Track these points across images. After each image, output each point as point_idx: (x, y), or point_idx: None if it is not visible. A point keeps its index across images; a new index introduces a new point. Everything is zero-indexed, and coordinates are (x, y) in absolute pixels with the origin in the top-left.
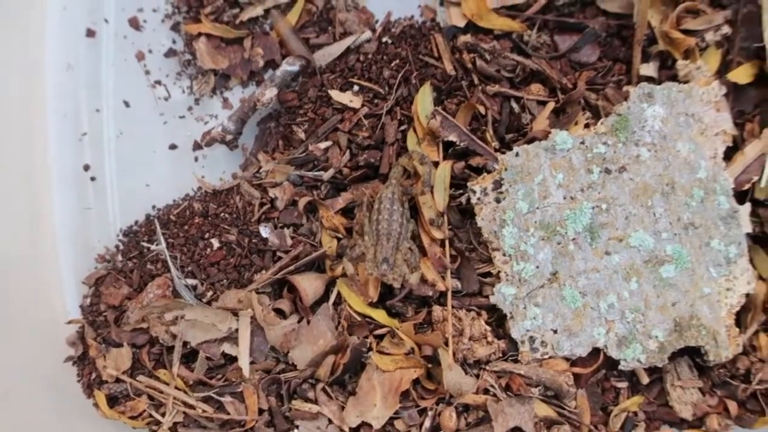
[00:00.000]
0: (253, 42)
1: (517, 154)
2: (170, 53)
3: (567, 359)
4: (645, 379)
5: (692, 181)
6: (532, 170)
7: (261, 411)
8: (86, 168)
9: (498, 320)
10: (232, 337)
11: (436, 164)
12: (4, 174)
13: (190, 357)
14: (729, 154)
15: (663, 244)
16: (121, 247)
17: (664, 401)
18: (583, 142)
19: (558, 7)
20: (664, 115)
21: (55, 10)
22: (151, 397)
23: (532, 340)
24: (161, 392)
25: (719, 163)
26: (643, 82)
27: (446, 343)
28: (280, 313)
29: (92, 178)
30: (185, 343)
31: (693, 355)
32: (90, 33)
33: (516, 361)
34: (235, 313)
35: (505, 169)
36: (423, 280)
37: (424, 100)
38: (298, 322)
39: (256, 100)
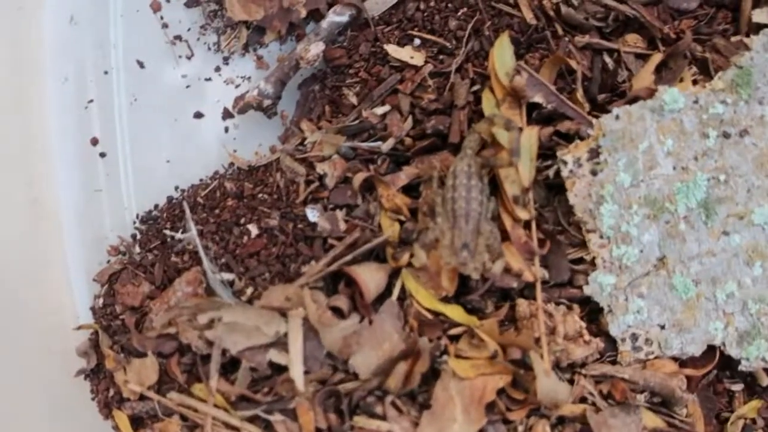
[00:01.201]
0: None
1: (617, 117)
2: (192, 2)
3: (676, 359)
4: (765, 381)
5: None
6: (635, 136)
7: (318, 430)
8: (94, 142)
9: (591, 315)
10: (280, 343)
11: (520, 130)
12: None
13: (229, 367)
14: None
15: None
16: (139, 237)
17: None
18: (696, 101)
19: None
20: None
21: None
22: (184, 417)
23: (634, 337)
24: (197, 411)
25: None
26: (758, 31)
27: (538, 344)
28: (337, 311)
29: (102, 155)
30: (224, 351)
31: None
32: None
33: (615, 362)
34: (282, 314)
35: (603, 135)
36: (506, 269)
37: (502, 54)
38: (360, 322)
39: (299, 58)
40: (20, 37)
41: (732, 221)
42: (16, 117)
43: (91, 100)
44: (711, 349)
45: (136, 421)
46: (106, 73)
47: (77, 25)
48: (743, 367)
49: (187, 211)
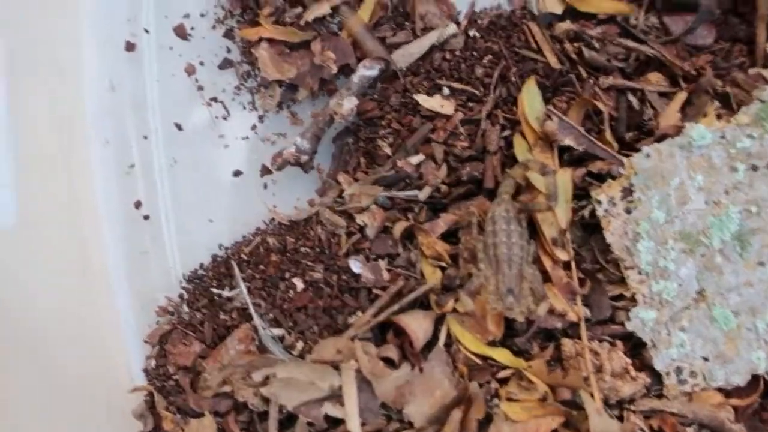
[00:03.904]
0: (322, 45)
1: (647, 155)
2: (225, 64)
3: (721, 390)
4: None
5: None
6: (666, 173)
7: None
8: (138, 205)
9: (634, 350)
10: (335, 396)
11: (554, 174)
12: (49, 218)
13: (287, 423)
14: None
15: None
16: (186, 296)
17: None
18: (723, 136)
19: None
20: None
21: (88, 20)
22: None
23: (679, 371)
24: None
25: None
26: None
27: (586, 383)
28: (388, 361)
29: (145, 217)
30: (280, 407)
31: None
32: (129, 46)
33: (661, 396)
34: (335, 367)
35: (635, 174)
36: (550, 310)
37: (531, 99)
38: (411, 371)
39: (333, 113)
40: (62, 102)
41: (767, 251)
42: (63, 182)
43: (133, 165)
44: (755, 378)
45: None
46: (145, 137)
47: (116, 91)
48: None
49: (236, 268)
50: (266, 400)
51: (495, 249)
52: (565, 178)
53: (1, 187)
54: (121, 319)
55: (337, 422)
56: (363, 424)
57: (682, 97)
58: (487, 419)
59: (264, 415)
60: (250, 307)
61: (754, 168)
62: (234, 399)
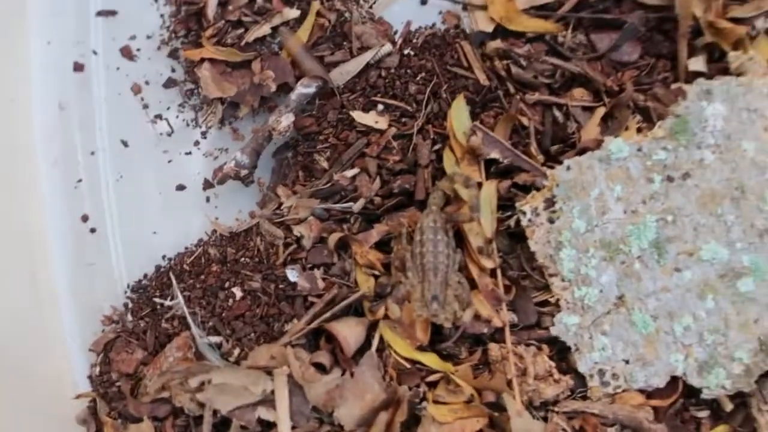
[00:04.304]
0: (262, 64)
1: (568, 168)
2: (170, 83)
3: (642, 392)
4: (728, 406)
5: (762, 182)
6: (586, 184)
7: None
8: (84, 219)
9: (560, 354)
10: (267, 400)
11: (479, 185)
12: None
13: (221, 427)
14: None
15: (738, 255)
16: (131, 305)
17: (752, 428)
18: (640, 149)
19: (591, 3)
20: (725, 113)
21: (39, 45)
22: None
23: (601, 373)
24: None
25: None
26: (696, 78)
27: (510, 386)
28: (319, 367)
29: (92, 230)
30: (215, 412)
31: None
32: (78, 67)
33: (585, 398)
34: (269, 372)
35: (557, 185)
36: (476, 316)
37: (459, 115)
38: (342, 375)
39: (271, 129)
40: (12, 125)
41: (682, 258)
42: (11, 199)
43: (80, 180)
44: (674, 379)
45: None
46: (92, 153)
47: (64, 111)
48: (705, 395)
49: (173, 280)
50: (202, 405)
51: (422, 258)
52: (490, 190)
53: None
54: (65, 328)
55: (270, 425)
56: (294, 428)
57: (600, 112)
58: (416, 421)
59: (199, 420)
60: (187, 316)
61: (670, 179)
62: (172, 404)
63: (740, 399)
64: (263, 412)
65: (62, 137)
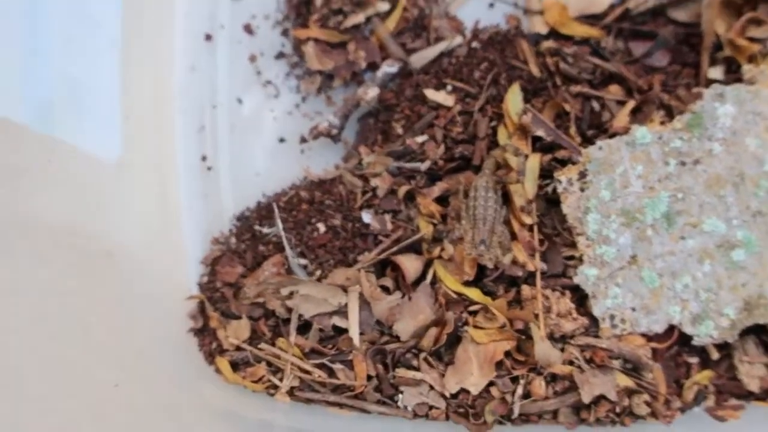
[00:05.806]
0: (356, 46)
1: (600, 148)
2: (280, 56)
3: (644, 335)
4: (715, 355)
5: (760, 173)
6: (613, 162)
7: (369, 377)
8: (203, 158)
9: (580, 299)
10: (341, 311)
11: (525, 156)
12: (141, 161)
13: (303, 328)
14: None
15: (734, 231)
16: (234, 231)
17: (733, 375)
18: (660, 137)
19: (632, 16)
20: (734, 114)
21: (180, 15)
22: (269, 364)
23: (612, 317)
24: (279, 359)
25: None
26: (713, 84)
27: (536, 318)
28: (384, 289)
29: (209, 168)
30: (300, 316)
31: (760, 334)
32: (208, 37)
33: (597, 336)
34: (344, 289)
35: (589, 162)
36: (514, 261)
37: (514, 99)
38: (401, 298)
39: (360, 98)
40: (154, 80)
41: (688, 229)
42: (152, 134)
43: (203, 127)
44: (671, 327)
45: (233, 366)
46: (214, 107)
47: (195, 72)
48: (695, 342)
49: (276, 210)
50: (289, 310)
51: (474, 210)
52: (534, 161)
53: (114, 128)
54: (184, 245)
55: (342, 331)
56: (361, 334)
57: (630, 105)
58: (457, 340)
59: (287, 321)
60: (283, 239)
61: (683, 163)
62: (265, 308)
63: (725, 351)
64: (337, 320)
65: (192, 92)
